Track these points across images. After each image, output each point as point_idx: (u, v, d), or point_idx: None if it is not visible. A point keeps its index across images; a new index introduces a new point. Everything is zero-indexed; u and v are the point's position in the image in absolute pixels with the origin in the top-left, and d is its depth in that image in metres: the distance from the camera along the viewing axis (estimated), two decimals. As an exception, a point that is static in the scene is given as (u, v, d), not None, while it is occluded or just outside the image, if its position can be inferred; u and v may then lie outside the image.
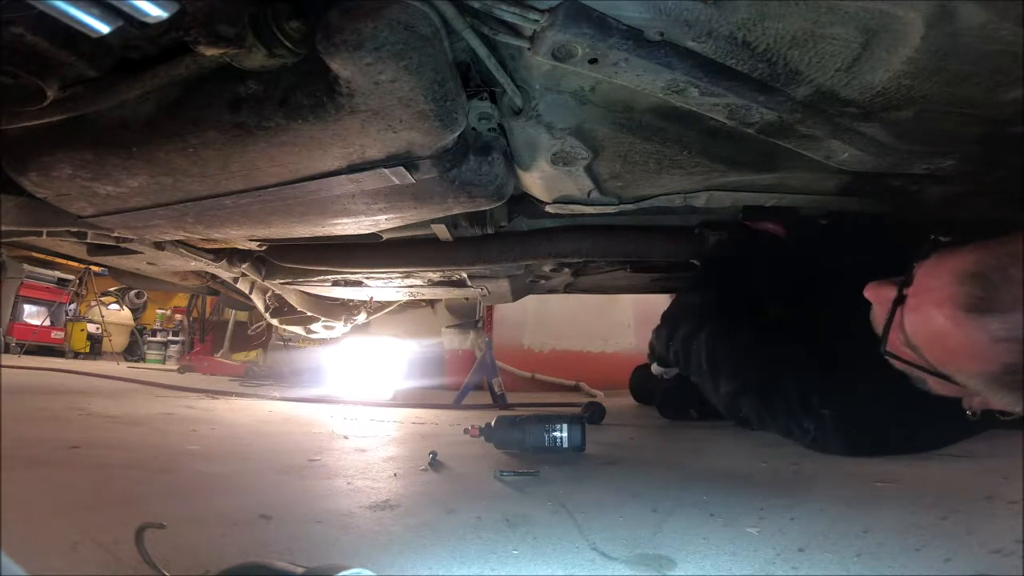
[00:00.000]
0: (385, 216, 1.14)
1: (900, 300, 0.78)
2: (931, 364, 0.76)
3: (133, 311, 6.78)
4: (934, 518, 0.74)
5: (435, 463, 1.05)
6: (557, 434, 1.17)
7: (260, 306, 2.17)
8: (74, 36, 0.68)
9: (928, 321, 0.74)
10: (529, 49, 0.69)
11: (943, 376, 0.76)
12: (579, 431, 1.17)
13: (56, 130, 0.87)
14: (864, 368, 0.89)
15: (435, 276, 1.70)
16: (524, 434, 1.17)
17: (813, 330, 1.16)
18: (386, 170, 0.89)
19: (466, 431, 1.23)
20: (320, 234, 1.28)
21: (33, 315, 5.98)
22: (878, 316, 0.84)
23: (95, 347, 6.31)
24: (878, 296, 0.83)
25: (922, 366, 0.77)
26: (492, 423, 1.22)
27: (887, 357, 0.80)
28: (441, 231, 1.36)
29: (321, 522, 0.70)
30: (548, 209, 1.21)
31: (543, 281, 1.82)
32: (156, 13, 0.58)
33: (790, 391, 1.10)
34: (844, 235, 1.18)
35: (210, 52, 0.64)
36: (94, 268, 4.95)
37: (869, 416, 1.02)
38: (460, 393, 2.35)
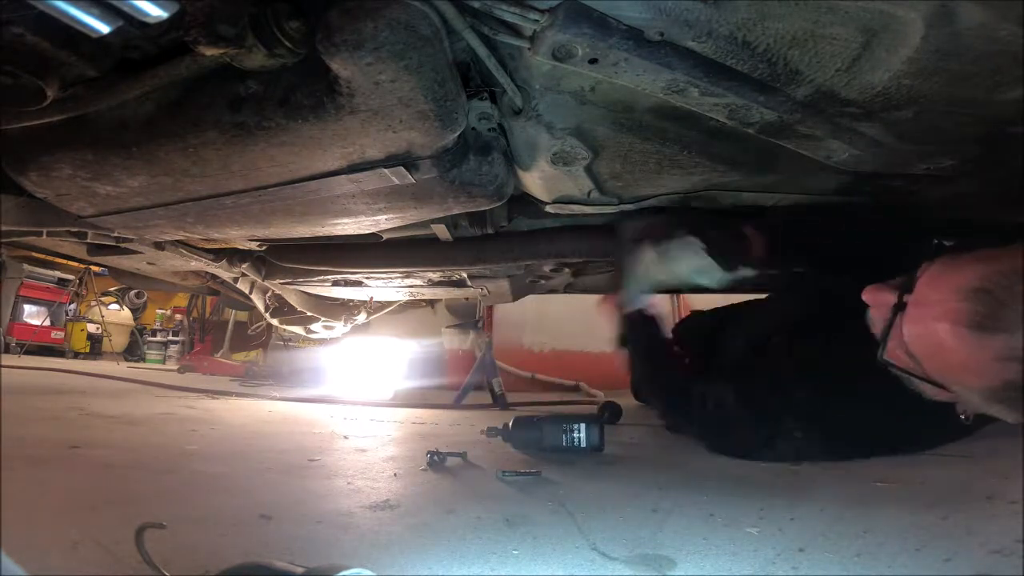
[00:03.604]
0: (385, 216, 1.14)
1: (900, 307, 0.77)
2: (928, 374, 0.76)
3: (133, 311, 6.78)
4: (934, 518, 0.74)
5: (435, 462, 1.05)
6: (576, 434, 1.17)
7: (260, 306, 2.17)
8: (74, 36, 0.68)
9: (930, 334, 0.73)
10: (529, 49, 0.69)
11: (940, 386, 0.75)
12: (597, 431, 1.17)
13: (56, 130, 0.87)
14: (853, 370, 0.87)
15: (435, 276, 1.70)
16: (542, 434, 1.18)
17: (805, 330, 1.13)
18: (386, 170, 0.89)
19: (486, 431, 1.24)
20: (320, 234, 1.28)
21: (33, 315, 5.97)
22: (875, 320, 0.83)
23: (95, 347, 6.31)
24: (877, 300, 0.82)
25: (919, 375, 0.77)
26: (510, 423, 1.22)
27: (884, 364, 0.79)
28: (441, 231, 1.36)
29: (321, 522, 0.70)
30: (548, 209, 1.21)
31: (543, 281, 1.82)
32: (156, 13, 0.58)
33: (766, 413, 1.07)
34: (838, 235, 1.14)
35: (210, 52, 0.64)
36: (94, 268, 4.95)
37: (847, 426, 1.01)
38: (460, 393, 2.35)
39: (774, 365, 1.11)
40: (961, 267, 0.72)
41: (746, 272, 1.19)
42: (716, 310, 1.81)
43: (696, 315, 2.03)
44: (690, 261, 1.19)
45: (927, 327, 0.73)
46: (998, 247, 0.73)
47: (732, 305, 1.67)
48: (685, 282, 1.24)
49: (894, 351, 0.79)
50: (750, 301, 1.59)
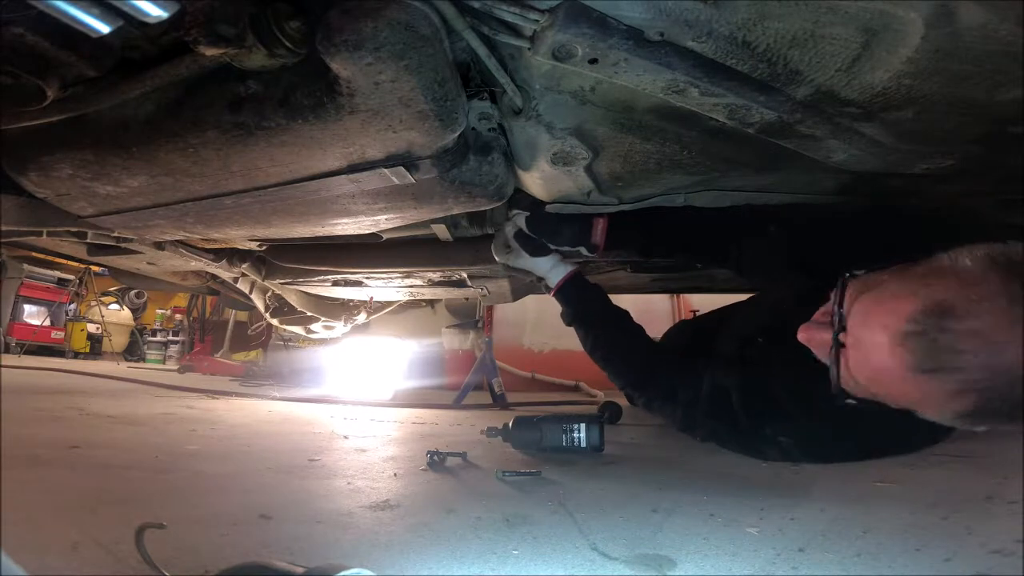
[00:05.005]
0: (385, 216, 1.14)
1: (839, 345, 0.78)
2: (891, 402, 0.77)
3: (133, 311, 6.78)
4: (934, 518, 0.74)
5: (435, 462, 1.05)
6: (576, 434, 1.17)
7: (260, 306, 2.17)
8: (74, 36, 0.68)
9: (879, 376, 0.74)
10: (529, 49, 0.69)
11: (906, 410, 0.76)
12: (597, 431, 1.17)
13: (56, 130, 0.87)
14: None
15: (435, 276, 1.70)
16: (542, 434, 1.18)
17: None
18: (386, 170, 0.89)
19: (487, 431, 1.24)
20: (320, 234, 1.28)
21: (33, 315, 5.98)
22: (820, 356, 0.83)
23: (95, 347, 6.31)
24: (813, 341, 0.83)
25: (883, 403, 0.78)
26: (510, 423, 1.22)
27: (844, 403, 0.79)
28: (441, 231, 1.37)
29: (321, 522, 0.70)
30: (547, 209, 1.21)
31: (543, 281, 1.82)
32: (156, 13, 0.58)
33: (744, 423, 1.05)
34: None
35: (210, 52, 0.64)
36: (94, 268, 4.95)
37: (829, 434, 1.00)
38: (460, 393, 2.35)
39: (754, 367, 1.11)
40: (888, 303, 0.72)
41: (584, 252, 1.27)
42: (706, 315, 1.80)
43: (680, 323, 2.03)
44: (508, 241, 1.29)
45: (875, 370, 0.74)
46: (906, 266, 0.74)
47: (721, 308, 1.66)
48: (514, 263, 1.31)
49: (848, 384, 0.79)
50: (738, 303, 1.58)
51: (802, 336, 0.84)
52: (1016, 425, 0.70)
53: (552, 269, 1.29)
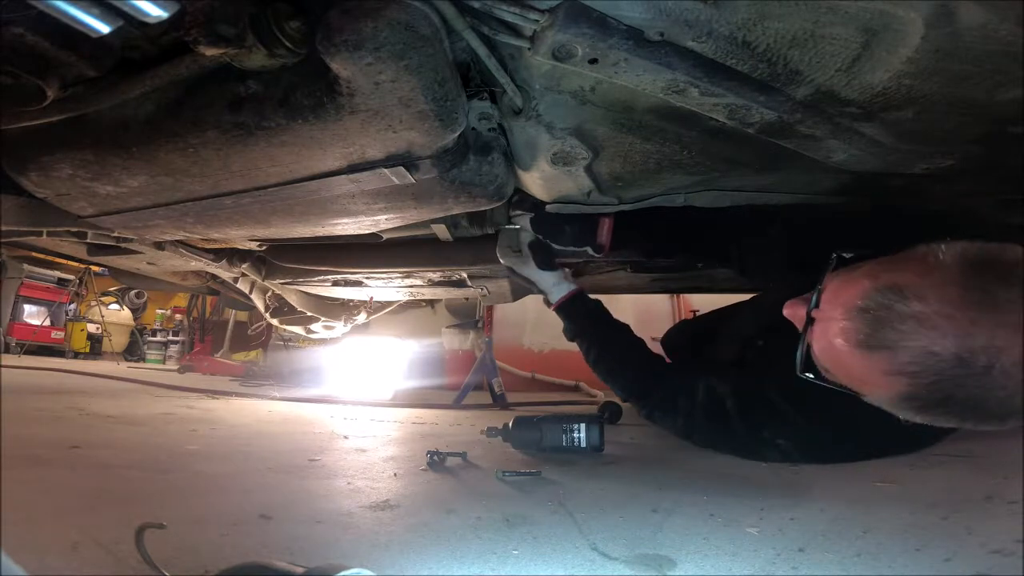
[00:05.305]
0: (385, 216, 1.14)
1: (810, 322, 0.79)
2: (844, 384, 0.77)
3: (133, 311, 6.77)
4: (934, 518, 0.74)
5: (435, 462, 1.05)
6: (575, 434, 1.18)
7: (260, 306, 2.17)
8: (74, 36, 0.68)
9: (829, 350, 0.76)
10: (529, 49, 0.69)
11: (856, 394, 0.77)
12: (597, 431, 1.18)
13: (56, 130, 0.87)
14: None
15: (435, 276, 1.70)
16: (542, 434, 1.18)
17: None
18: (386, 170, 0.89)
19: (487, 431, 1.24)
20: (320, 234, 1.28)
21: (33, 315, 5.97)
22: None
23: (95, 347, 6.31)
24: (795, 316, 0.84)
25: (838, 384, 0.78)
26: (510, 423, 1.22)
27: (804, 377, 0.81)
28: (441, 231, 1.36)
29: (321, 522, 0.70)
30: (547, 209, 1.21)
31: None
32: (156, 13, 0.58)
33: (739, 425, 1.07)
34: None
35: (210, 52, 0.64)
36: (94, 268, 4.95)
37: (828, 435, 1.01)
38: (460, 393, 2.35)
39: (752, 369, 1.11)
40: (852, 282, 0.74)
41: (590, 252, 1.29)
42: (705, 315, 1.81)
43: (680, 324, 2.04)
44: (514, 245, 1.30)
45: (827, 342, 0.76)
46: (894, 254, 0.74)
47: (721, 309, 1.67)
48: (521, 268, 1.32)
49: (816, 361, 0.81)
50: (738, 303, 1.59)
51: (787, 311, 0.86)
52: (953, 421, 0.69)
53: (555, 285, 1.30)
